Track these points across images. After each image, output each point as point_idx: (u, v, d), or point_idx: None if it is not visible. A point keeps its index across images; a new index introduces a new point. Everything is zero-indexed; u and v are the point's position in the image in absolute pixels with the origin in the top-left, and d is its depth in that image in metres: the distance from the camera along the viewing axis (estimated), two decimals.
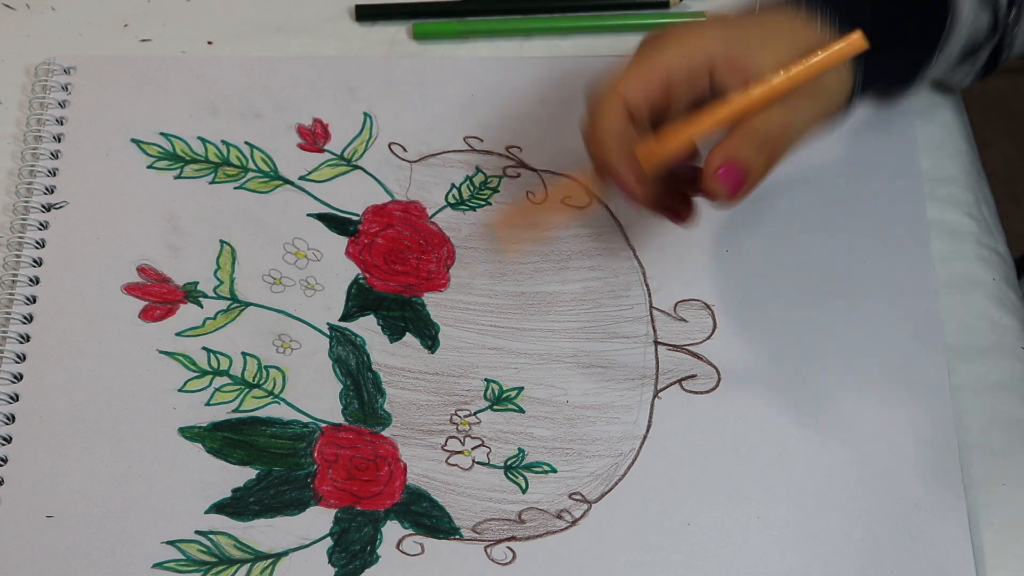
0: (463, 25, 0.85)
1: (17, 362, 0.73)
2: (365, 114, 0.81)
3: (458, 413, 0.73)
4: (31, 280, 0.75)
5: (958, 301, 0.77)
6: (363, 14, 0.85)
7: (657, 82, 0.63)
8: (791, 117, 0.64)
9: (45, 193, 0.78)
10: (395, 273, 0.76)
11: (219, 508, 0.70)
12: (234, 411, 0.72)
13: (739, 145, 0.63)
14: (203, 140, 0.80)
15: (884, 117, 0.80)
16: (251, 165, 0.79)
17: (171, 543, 0.69)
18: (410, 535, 0.69)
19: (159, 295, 0.75)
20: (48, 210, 0.77)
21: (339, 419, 0.72)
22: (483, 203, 0.79)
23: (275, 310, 0.75)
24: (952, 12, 0.70)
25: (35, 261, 0.76)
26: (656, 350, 0.74)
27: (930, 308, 0.76)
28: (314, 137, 0.80)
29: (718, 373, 0.74)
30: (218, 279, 0.76)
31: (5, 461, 0.70)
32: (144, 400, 0.72)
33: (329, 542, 0.69)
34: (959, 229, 0.79)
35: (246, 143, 0.80)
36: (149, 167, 0.79)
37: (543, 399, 0.73)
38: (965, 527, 0.70)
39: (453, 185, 0.79)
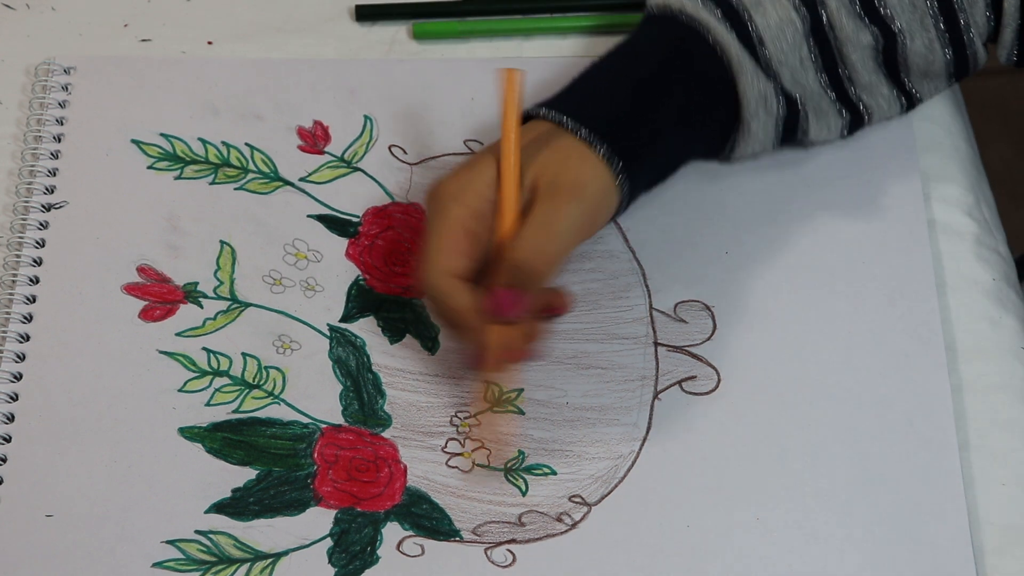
0: (463, 25, 0.85)
1: (17, 362, 0.73)
2: (365, 116, 0.81)
3: (458, 415, 0.73)
4: (31, 280, 0.75)
5: (958, 301, 0.77)
6: (363, 14, 0.85)
7: (463, 240, 0.67)
8: (549, 229, 0.67)
9: (45, 193, 0.78)
10: (395, 275, 0.76)
11: (219, 508, 0.70)
12: (234, 411, 0.72)
13: (501, 278, 0.67)
14: (203, 141, 0.80)
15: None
16: (251, 166, 0.79)
17: (171, 542, 0.69)
18: (410, 536, 0.69)
19: (159, 295, 0.75)
20: (48, 210, 0.77)
21: (339, 420, 0.72)
22: None
23: (275, 311, 0.75)
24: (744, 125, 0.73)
25: (35, 261, 0.76)
26: (656, 351, 0.74)
27: (930, 308, 0.76)
28: (314, 139, 0.80)
29: (718, 374, 0.74)
30: (218, 279, 0.76)
31: (5, 460, 0.70)
32: (144, 400, 0.72)
33: (329, 542, 0.69)
34: (959, 229, 0.79)
35: (246, 144, 0.80)
36: (149, 168, 0.79)
37: (543, 401, 0.73)
38: (965, 527, 0.70)
39: None
